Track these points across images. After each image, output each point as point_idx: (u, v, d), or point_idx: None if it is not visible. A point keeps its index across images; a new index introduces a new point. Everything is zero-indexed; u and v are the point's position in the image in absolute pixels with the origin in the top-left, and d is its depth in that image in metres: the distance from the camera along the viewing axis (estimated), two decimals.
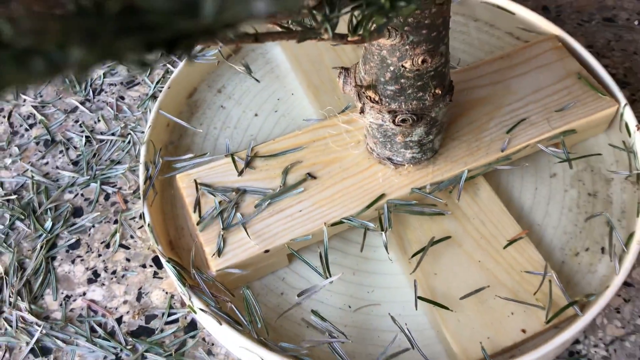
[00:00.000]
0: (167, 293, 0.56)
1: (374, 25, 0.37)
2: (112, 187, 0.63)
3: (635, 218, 0.54)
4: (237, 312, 0.49)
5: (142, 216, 0.61)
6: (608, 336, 0.53)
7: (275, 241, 0.52)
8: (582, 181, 0.59)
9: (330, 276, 0.50)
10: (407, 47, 0.45)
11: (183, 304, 0.55)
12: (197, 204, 0.54)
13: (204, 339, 0.53)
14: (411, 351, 0.48)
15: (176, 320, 0.55)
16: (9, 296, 0.56)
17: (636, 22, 0.76)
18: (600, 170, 0.60)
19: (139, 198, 0.62)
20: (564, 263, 0.54)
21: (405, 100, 0.49)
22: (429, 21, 0.44)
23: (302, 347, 0.47)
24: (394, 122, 0.51)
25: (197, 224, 0.53)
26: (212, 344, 0.53)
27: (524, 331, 0.48)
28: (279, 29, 0.37)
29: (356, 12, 0.39)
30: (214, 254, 0.51)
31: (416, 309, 0.50)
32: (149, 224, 0.53)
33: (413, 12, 0.41)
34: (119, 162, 0.65)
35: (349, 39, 0.41)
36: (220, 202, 0.54)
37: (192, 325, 0.54)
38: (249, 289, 0.50)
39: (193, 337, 0.53)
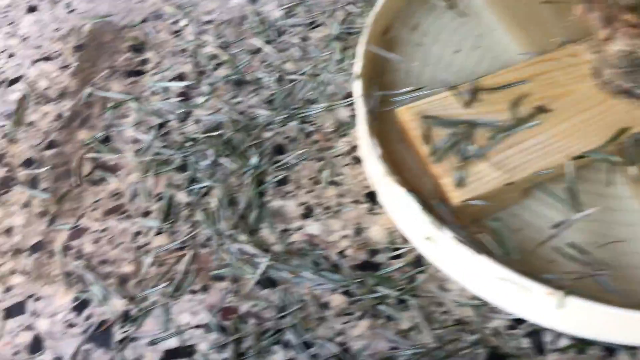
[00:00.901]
0: (386, 228, 0.55)
1: None
2: (311, 125, 0.62)
3: None
4: (487, 243, 0.47)
5: (348, 153, 0.60)
6: None
7: (517, 173, 0.49)
8: None
9: (582, 210, 0.48)
10: None
11: (404, 240, 0.54)
12: (427, 136, 0.52)
13: (433, 275, 0.52)
14: None
15: (400, 256, 0.53)
16: (227, 229, 0.56)
17: None
18: None
19: (342, 136, 0.61)
20: None
21: None
22: None
23: (566, 279, 0.45)
24: None
25: (430, 155, 0.51)
26: (445, 280, 0.51)
27: None
28: None
29: None
30: (455, 185, 0.49)
31: None
32: (381, 155, 0.51)
33: None
34: (314, 102, 0.64)
35: None
36: (451, 134, 0.52)
37: (418, 262, 0.53)
38: (497, 220, 0.48)
39: (422, 272, 0.52)
